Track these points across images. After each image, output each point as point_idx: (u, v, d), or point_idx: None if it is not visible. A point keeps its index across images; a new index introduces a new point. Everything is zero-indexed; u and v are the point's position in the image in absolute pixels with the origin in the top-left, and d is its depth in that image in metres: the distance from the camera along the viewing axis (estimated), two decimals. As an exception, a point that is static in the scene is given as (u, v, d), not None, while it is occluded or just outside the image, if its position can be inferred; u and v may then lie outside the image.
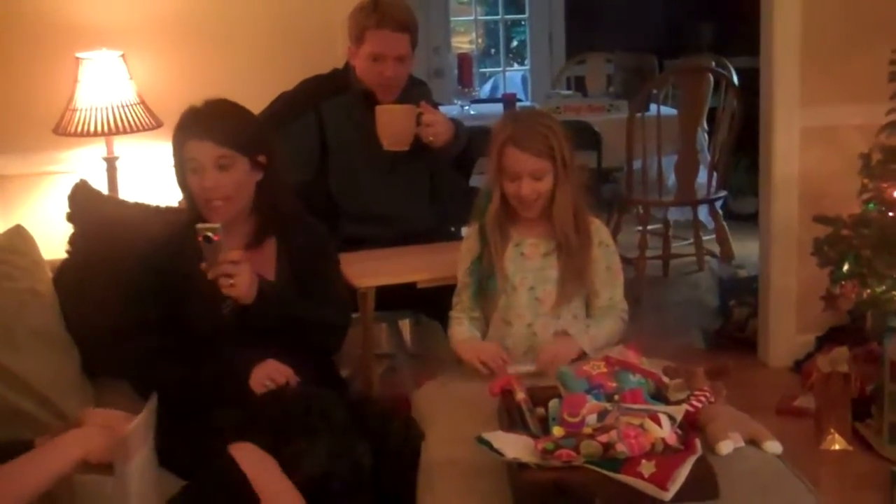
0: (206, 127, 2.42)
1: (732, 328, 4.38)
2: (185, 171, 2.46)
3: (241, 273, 2.33)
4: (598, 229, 2.70)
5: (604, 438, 1.83)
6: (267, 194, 2.51)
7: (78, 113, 3.38)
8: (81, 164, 3.57)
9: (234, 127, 2.45)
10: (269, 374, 2.34)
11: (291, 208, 2.59)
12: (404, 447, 2.29)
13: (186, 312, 2.44)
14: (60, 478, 1.94)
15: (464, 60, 6.32)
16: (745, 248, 5.28)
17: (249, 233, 2.52)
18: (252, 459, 2.14)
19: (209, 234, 2.30)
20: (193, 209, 2.49)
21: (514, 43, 8.59)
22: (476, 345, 2.59)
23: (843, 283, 3.48)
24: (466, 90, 6.10)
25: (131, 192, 3.52)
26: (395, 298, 3.09)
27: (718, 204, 5.32)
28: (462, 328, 2.68)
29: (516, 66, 8.44)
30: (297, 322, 2.45)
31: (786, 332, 4.12)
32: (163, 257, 2.47)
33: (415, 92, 3.33)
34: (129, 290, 2.51)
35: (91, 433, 1.99)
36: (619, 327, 2.69)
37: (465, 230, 2.75)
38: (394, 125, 3.16)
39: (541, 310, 2.62)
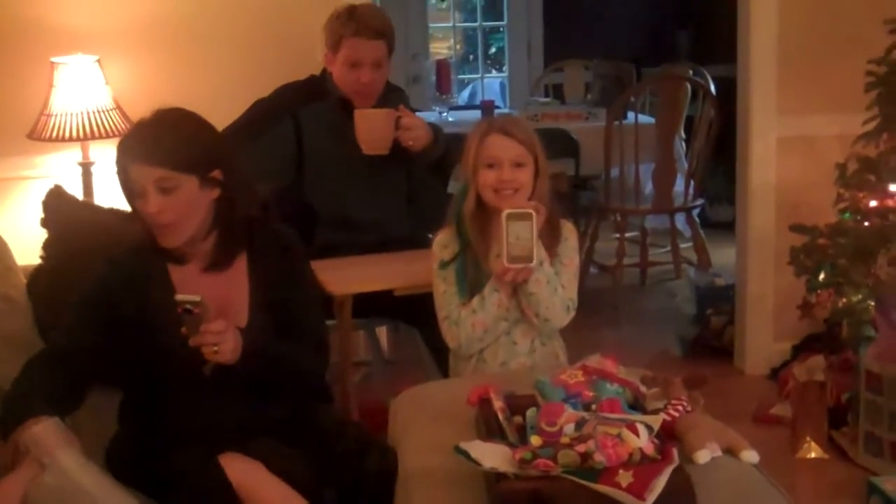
0: (144, 148, 2.23)
1: (709, 336, 4.39)
2: (132, 195, 2.29)
3: (225, 341, 2.18)
4: (567, 230, 2.67)
5: (581, 448, 1.82)
6: (226, 213, 2.32)
7: (53, 118, 3.36)
8: (56, 169, 3.55)
9: (174, 145, 2.23)
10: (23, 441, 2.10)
11: (257, 221, 2.42)
12: (381, 482, 2.24)
13: (154, 359, 2.30)
14: None
15: (442, 67, 6.33)
16: (723, 257, 5.29)
17: (212, 252, 2.35)
18: (242, 468, 2.14)
19: (189, 307, 2.15)
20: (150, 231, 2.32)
21: (493, 50, 8.60)
22: None
23: (819, 291, 3.49)
24: (444, 97, 6.10)
25: (106, 197, 3.49)
26: (373, 305, 3.08)
27: (695, 212, 5.34)
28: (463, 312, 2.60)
29: (494, 72, 8.45)
30: (279, 374, 2.34)
31: (762, 340, 4.13)
32: (117, 283, 2.33)
33: (392, 98, 3.33)
34: (75, 312, 2.36)
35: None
36: (564, 311, 2.60)
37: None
38: (372, 129, 3.15)
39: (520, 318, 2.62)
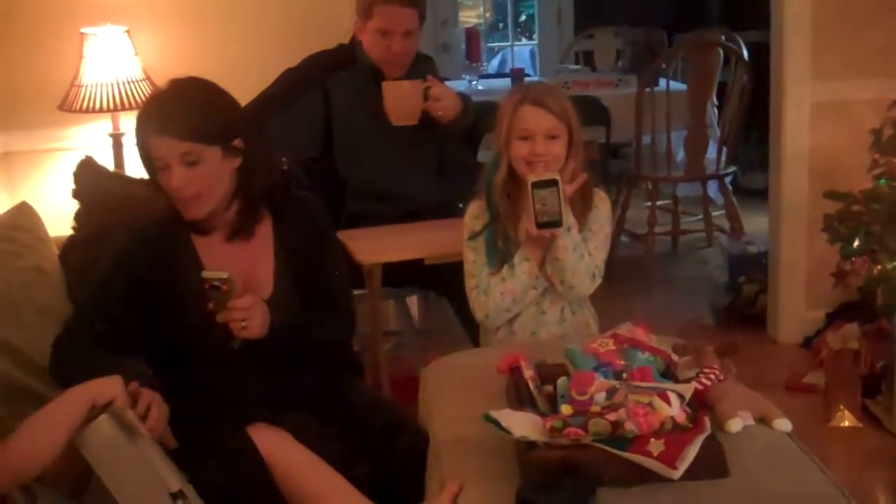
0: (165, 120, 2.20)
1: (742, 304, 4.36)
2: (153, 168, 2.27)
3: (253, 317, 2.18)
4: (599, 199, 2.65)
5: (612, 417, 1.81)
6: (248, 178, 2.31)
7: (83, 89, 3.38)
8: (87, 140, 3.56)
9: (198, 117, 2.21)
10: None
11: (281, 187, 2.40)
12: (411, 462, 2.23)
13: (182, 332, 2.31)
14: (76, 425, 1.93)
15: (471, 35, 6.29)
16: (755, 224, 5.25)
17: (234, 221, 2.34)
18: (271, 439, 2.15)
19: (216, 283, 2.15)
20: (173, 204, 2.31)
21: (523, 17, 8.55)
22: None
23: (853, 259, 3.46)
24: (474, 65, 6.07)
25: (137, 168, 3.49)
26: (403, 275, 3.08)
27: (728, 179, 5.30)
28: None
29: (524, 40, 8.40)
30: (306, 345, 2.34)
31: (795, 308, 4.10)
32: (142, 256, 2.33)
33: (421, 67, 3.31)
34: (101, 283, 2.37)
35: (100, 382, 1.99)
36: (590, 278, 2.58)
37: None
38: (401, 100, 3.14)
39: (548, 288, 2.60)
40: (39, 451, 1.90)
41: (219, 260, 2.27)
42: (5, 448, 1.90)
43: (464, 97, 3.25)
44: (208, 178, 2.23)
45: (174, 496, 1.94)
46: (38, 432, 1.92)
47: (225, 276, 2.15)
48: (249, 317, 2.18)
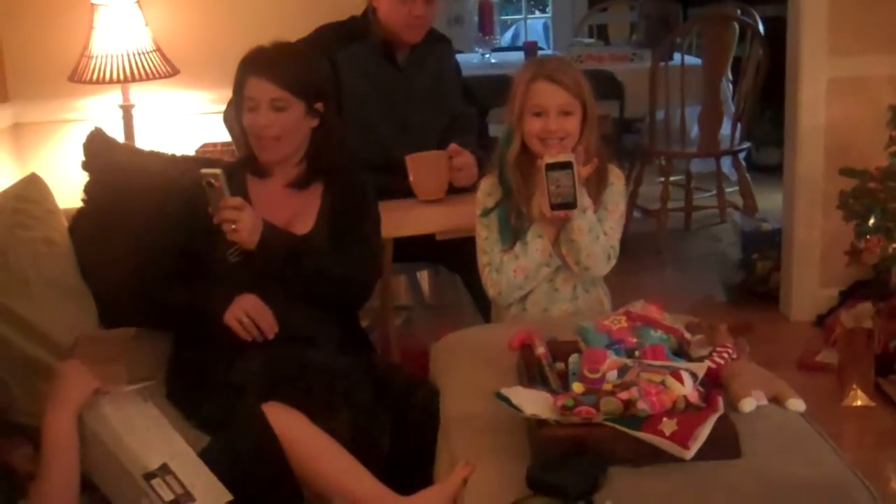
0: (267, 66, 2.46)
1: (755, 282, 4.34)
2: (242, 108, 2.49)
3: (242, 219, 2.35)
4: (614, 176, 2.61)
5: (624, 395, 1.80)
6: (320, 142, 2.55)
7: (93, 60, 3.36)
8: (97, 111, 3.55)
9: (295, 70, 2.49)
10: (245, 310, 2.36)
11: (342, 160, 2.61)
12: (427, 418, 2.28)
13: (211, 256, 2.45)
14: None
15: (484, 7, 6.24)
16: (769, 201, 5.22)
17: (296, 175, 2.56)
18: (286, 419, 2.17)
19: (211, 179, 2.32)
20: (248, 147, 2.54)
21: (536, -10, 8.51)
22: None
23: (868, 236, 3.43)
24: (487, 38, 6.03)
25: (147, 139, 3.49)
26: (414, 250, 3.06)
27: (742, 155, 5.26)
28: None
29: (538, 13, 8.36)
30: (305, 272, 2.43)
31: (809, 286, 4.07)
32: (198, 198, 2.44)
33: (439, 48, 3.32)
34: (162, 220, 2.55)
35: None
36: (605, 259, 2.54)
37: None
38: (427, 175, 3.10)
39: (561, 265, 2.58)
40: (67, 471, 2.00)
41: (266, 204, 2.46)
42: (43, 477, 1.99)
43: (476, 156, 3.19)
44: (289, 126, 2.48)
45: (148, 476, 2.01)
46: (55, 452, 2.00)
47: (218, 171, 2.31)
48: (239, 219, 2.34)
